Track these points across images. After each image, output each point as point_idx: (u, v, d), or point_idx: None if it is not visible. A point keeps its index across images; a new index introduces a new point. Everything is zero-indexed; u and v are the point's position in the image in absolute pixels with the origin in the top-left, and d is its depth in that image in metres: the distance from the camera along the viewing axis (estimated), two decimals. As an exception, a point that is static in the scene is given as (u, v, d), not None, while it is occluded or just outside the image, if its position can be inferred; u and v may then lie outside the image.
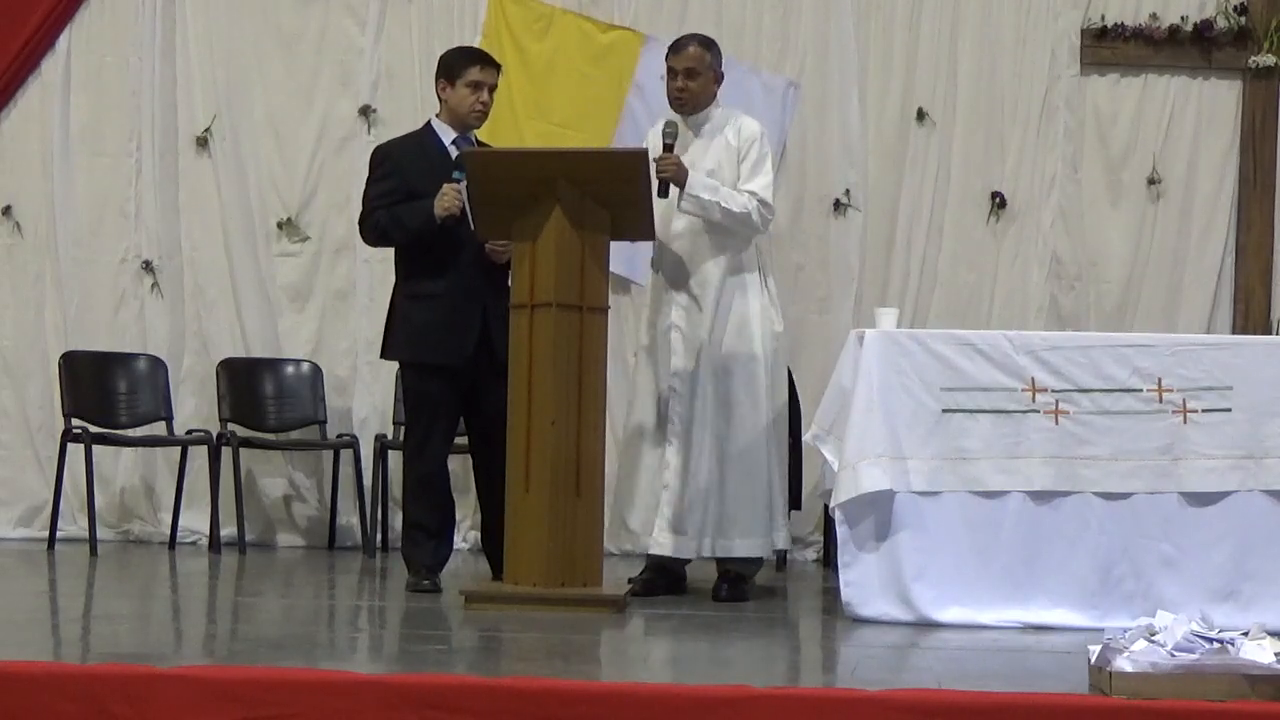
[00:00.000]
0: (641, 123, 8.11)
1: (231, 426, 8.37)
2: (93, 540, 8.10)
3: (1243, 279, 8.47)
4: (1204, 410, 6.21)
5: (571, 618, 6.02)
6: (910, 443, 6.23)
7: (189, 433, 8.43)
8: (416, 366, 6.80)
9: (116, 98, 8.68)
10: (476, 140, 6.89)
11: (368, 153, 7.19)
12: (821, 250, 8.55)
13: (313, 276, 8.65)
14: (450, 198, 6.62)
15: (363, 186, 6.99)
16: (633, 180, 6.36)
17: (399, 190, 6.76)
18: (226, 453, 8.24)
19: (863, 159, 8.53)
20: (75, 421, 8.22)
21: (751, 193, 6.70)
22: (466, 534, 8.16)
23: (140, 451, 8.52)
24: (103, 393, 8.42)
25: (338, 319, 8.65)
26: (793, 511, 7.37)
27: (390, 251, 6.98)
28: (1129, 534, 6.19)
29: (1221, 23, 8.45)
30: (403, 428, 7.32)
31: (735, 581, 6.75)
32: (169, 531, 8.43)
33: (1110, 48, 8.52)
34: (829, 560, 7.82)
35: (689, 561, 6.84)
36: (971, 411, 6.24)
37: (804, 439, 6.87)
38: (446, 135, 6.84)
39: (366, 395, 8.60)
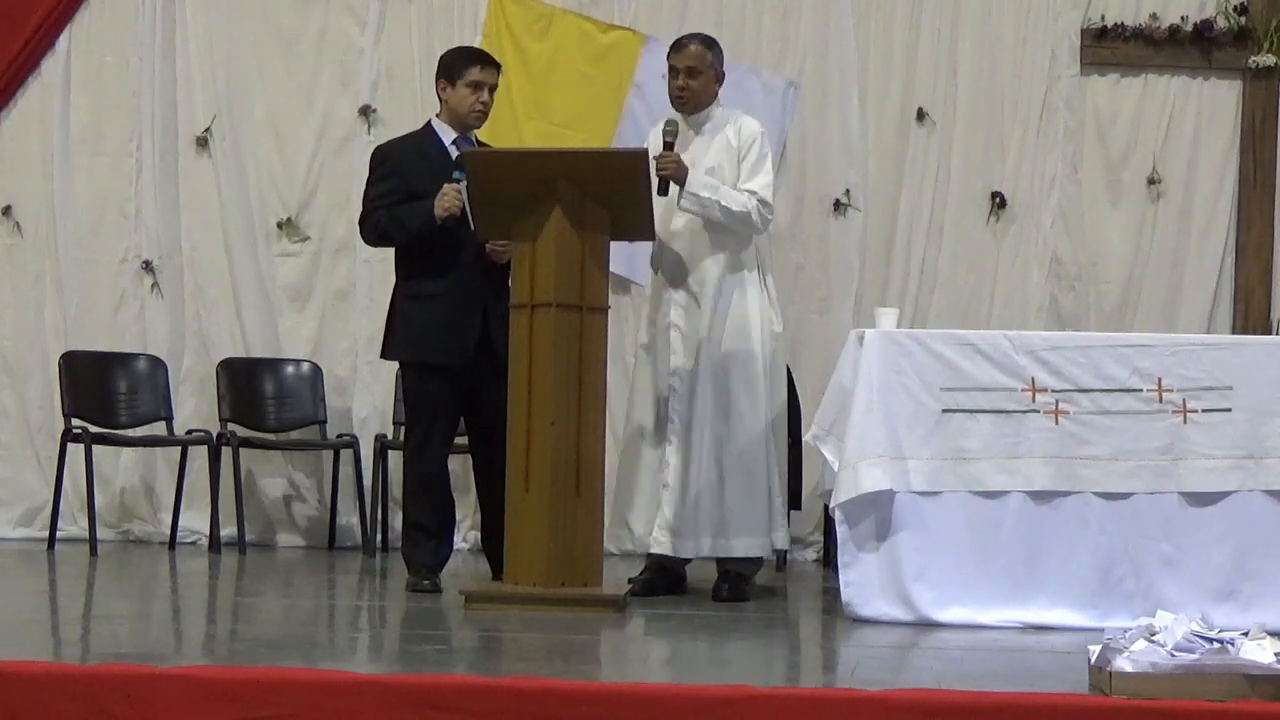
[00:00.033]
0: (641, 123, 8.11)
1: (231, 426, 8.37)
2: (93, 540, 8.10)
3: (1243, 279, 8.47)
4: (1204, 410, 6.21)
5: (571, 618, 6.02)
6: (910, 443, 6.23)
7: (189, 433, 8.43)
8: (417, 366, 6.80)
9: (116, 98, 8.68)
10: (477, 140, 6.89)
11: (368, 153, 7.19)
12: (821, 250, 8.55)
13: (313, 276, 8.65)
14: (450, 198, 6.62)
15: (363, 187, 6.99)
16: (633, 180, 6.36)
17: (399, 190, 6.76)
18: (226, 453, 8.24)
19: (863, 159, 8.53)
20: (75, 421, 8.22)
21: (751, 192, 6.71)
22: (466, 534, 8.16)
23: (140, 451, 8.52)
24: (103, 393, 8.42)
25: (338, 319, 8.65)
26: (793, 511, 7.37)
27: (390, 251, 6.98)
28: (1129, 534, 6.19)
29: (1221, 23, 8.45)
30: (403, 428, 7.33)
31: (735, 581, 6.74)
32: (169, 531, 8.43)
33: (1110, 48, 8.52)
34: (829, 560, 7.81)
35: (689, 561, 6.84)
36: (971, 411, 6.24)
37: (804, 439, 6.87)
38: (447, 135, 6.84)
39: (366, 395, 8.60)
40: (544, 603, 6.17)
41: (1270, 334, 8.18)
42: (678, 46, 6.88)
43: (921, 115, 8.53)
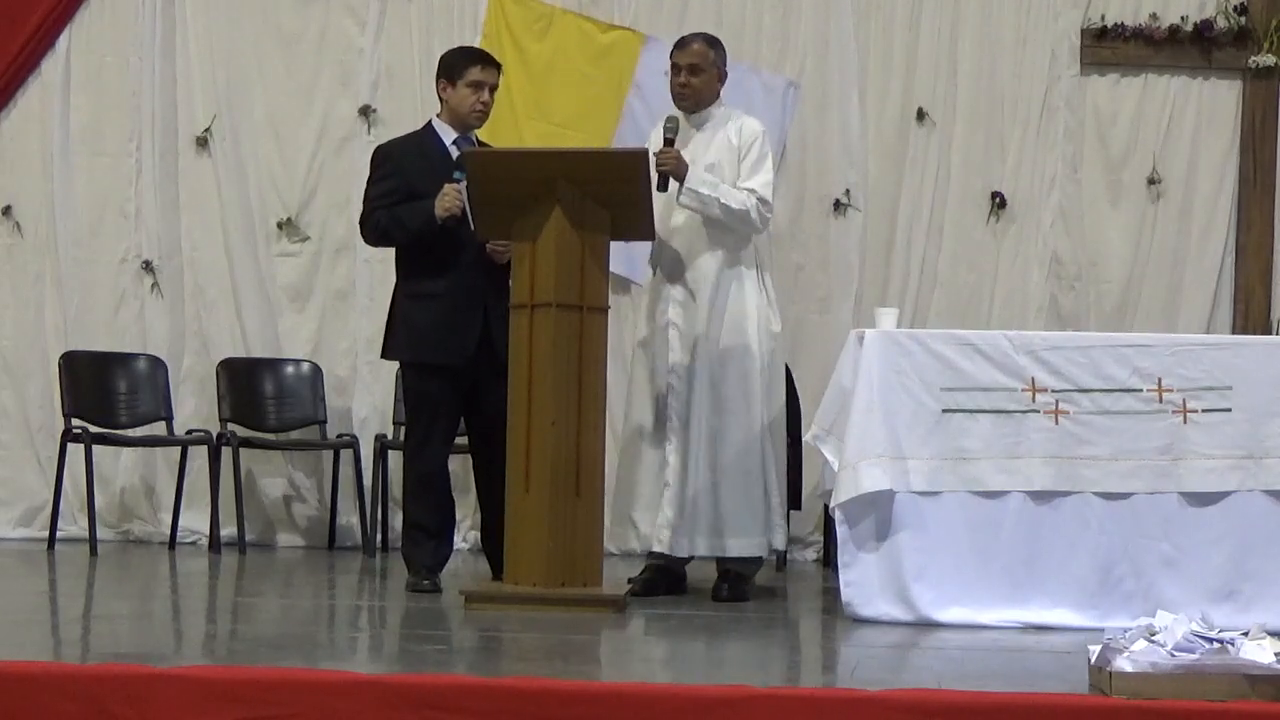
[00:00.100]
0: (641, 123, 8.11)
1: (231, 426, 8.37)
2: (93, 540, 8.10)
3: (1243, 279, 8.47)
4: (1204, 410, 6.21)
5: (571, 618, 6.02)
6: (910, 443, 6.23)
7: (189, 433, 8.43)
8: (417, 366, 6.80)
9: (116, 98, 8.68)
10: (477, 140, 6.89)
11: (368, 153, 7.19)
12: (821, 250, 8.54)
13: (313, 276, 8.65)
14: (451, 198, 6.62)
15: (363, 186, 6.99)
16: (633, 180, 6.36)
17: (400, 190, 6.76)
18: (226, 453, 8.24)
19: (863, 159, 8.53)
20: (75, 421, 8.22)
21: (751, 190, 6.71)
22: (466, 534, 8.16)
23: (140, 451, 8.52)
24: (103, 393, 8.42)
25: (338, 319, 8.65)
26: (793, 511, 7.37)
27: (390, 251, 6.98)
28: (1129, 534, 6.19)
29: (1221, 23, 8.45)
30: (403, 428, 7.33)
31: (735, 581, 6.74)
32: (169, 531, 8.43)
33: (1110, 48, 8.52)
34: (829, 560, 7.81)
35: (689, 561, 6.84)
36: (971, 411, 6.24)
37: (804, 439, 6.87)
38: (447, 135, 6.84)
39: (366, 395, 8.60)
40: (544, 603, 6.17)
41: (1270, 334, 8.18)
42: (681, 44, 6.89)
43: (921, 115, 8.53)
